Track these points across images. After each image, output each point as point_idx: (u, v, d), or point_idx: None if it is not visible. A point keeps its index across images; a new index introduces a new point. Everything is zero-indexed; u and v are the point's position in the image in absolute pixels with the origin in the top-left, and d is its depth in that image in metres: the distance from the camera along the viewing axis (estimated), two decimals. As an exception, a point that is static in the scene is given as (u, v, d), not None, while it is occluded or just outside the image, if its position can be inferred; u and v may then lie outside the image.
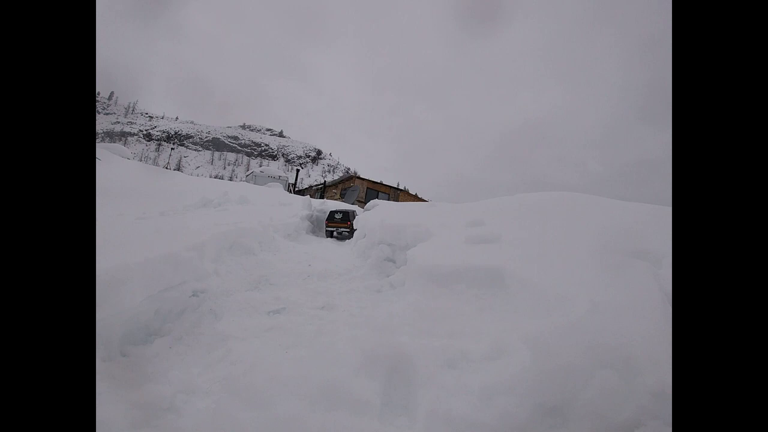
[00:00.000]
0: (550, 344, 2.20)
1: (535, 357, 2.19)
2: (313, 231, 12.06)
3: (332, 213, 11.80)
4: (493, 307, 3.13)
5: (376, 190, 26.37)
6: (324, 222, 12.27)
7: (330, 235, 11.57)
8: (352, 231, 10.89)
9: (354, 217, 11.19)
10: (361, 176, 27.98)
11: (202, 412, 2.38)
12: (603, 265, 3.11)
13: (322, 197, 25.02)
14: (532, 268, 3.30)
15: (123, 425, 2.18)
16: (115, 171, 13.12)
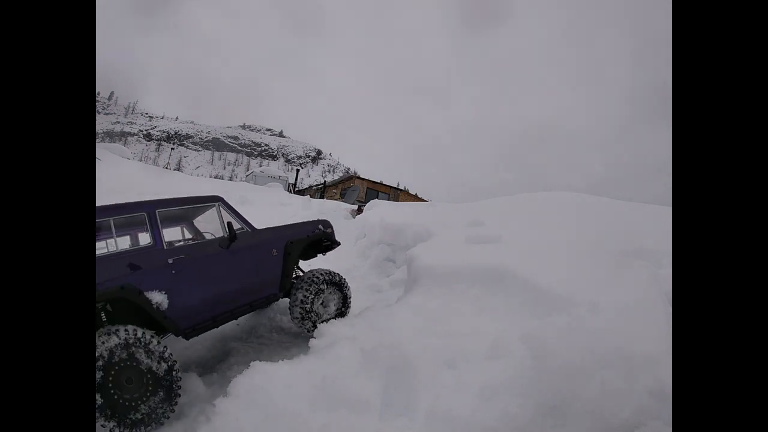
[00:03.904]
0: (550, 344, 2.20)
1: (535, 357, 2.19)
2: None
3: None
4: (493, 307, 3.13)
5: (376, 190, 26.33)
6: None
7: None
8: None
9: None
10: (361, 176, 27.98)
11: (203, 412, 2.38)
12: (603, 265, 3.11)
13: (322, 197, 24.99)
14: (532, 268, 3.30)
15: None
16: (115, 171, 13.11)
